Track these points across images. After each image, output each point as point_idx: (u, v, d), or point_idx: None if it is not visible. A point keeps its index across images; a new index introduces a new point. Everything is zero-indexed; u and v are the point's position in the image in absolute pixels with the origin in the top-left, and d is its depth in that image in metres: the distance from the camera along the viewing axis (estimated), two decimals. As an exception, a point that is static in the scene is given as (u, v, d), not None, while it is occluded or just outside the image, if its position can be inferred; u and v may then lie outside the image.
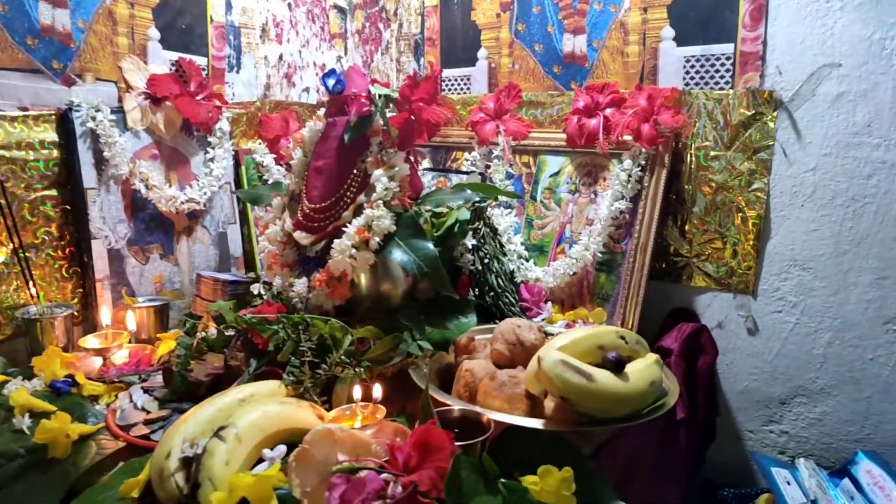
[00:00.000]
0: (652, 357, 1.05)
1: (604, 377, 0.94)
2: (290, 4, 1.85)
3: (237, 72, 1.75)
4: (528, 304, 1.49)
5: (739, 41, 1.36)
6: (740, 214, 1.39)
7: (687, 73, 1.44)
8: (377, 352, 1.10)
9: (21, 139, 1.32)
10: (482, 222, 1.46)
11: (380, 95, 1.22)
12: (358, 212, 1.19)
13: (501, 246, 1.50)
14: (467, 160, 1.70)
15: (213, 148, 1.63)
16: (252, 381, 1.06)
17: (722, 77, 1.40)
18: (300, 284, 1.19)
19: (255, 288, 1.25)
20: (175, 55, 1.59)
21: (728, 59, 1.38)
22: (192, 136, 1.61)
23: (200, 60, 1.64)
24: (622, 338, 1.04)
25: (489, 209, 1.55)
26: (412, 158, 1.32)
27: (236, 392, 0.99)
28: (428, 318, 1.26)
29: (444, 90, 1.85)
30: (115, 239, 1.46)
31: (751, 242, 1.39)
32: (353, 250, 1.15)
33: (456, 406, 0.95)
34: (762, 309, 1.40)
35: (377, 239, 1.15)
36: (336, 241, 1.16)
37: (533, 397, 1.00)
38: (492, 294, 1.42)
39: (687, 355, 1.37)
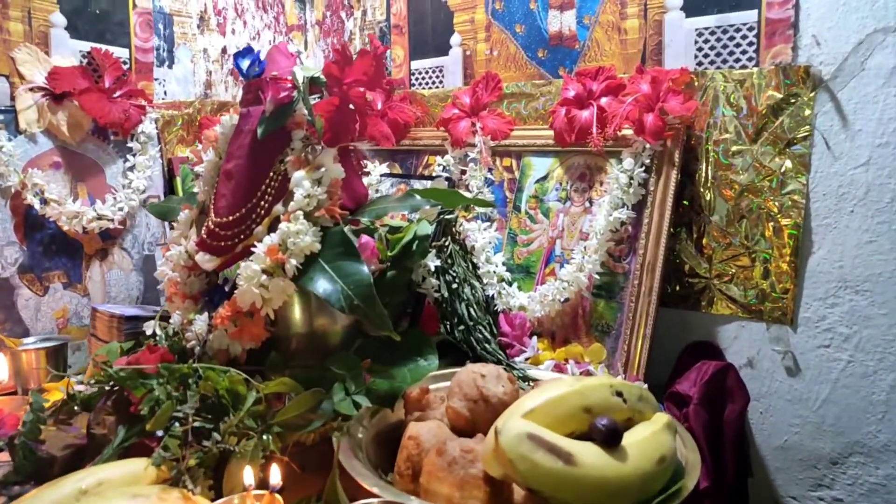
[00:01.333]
0: (662, 419, 0.76)
1: (590, 457, 0.65)
2: (234, -10, 1.60)
3: (169, 66, 1.49)
4: (510, 340, 1.21)
5: (764, 6, 1.08)
6: (772, 224, 1.10)
7: (699, 49, 1.16)
8: (290, 413, 0.82)
9: None
10: (449, 238, 1.18)
11: (305, 77, 0.95)
12: (274, 227, 0.92)
13: (474, 267, 1.22)
14: (440, 165, 1.43)
15: (133, 155, 1.37)
16: (116, 458, 0.78)
17: (744, 52, 1.11)
18: (200, 322, 0.92)
19: (150, 326, 0.97)
20: (87, 45, 1.34)
21: (751, 29, 1.10)
22: (107, 142, 1.35)
23: (121, 52, 1.39)
24: (618, 394, 0.75)
25: (460, 223, 1.28)
26: (354, 158, 1.05)
27: (79, 478, 0.71)
28: (377, 362, 0.98)
29: (413, 84, 1.59)
30: (3, 265, 1.19)
31: (787, 259, 1.10)
32: (264, 277, 0.87)
33: (374, 500, 0.66)
34: (804, 343, 1.11)
35: (294, 261, 0.87)
36: (243, 264, 0.88)
37: (495, 481, 0.71)
38: (462, 328, 1.14)
39: (709, 403, 1.07)
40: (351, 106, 0.99)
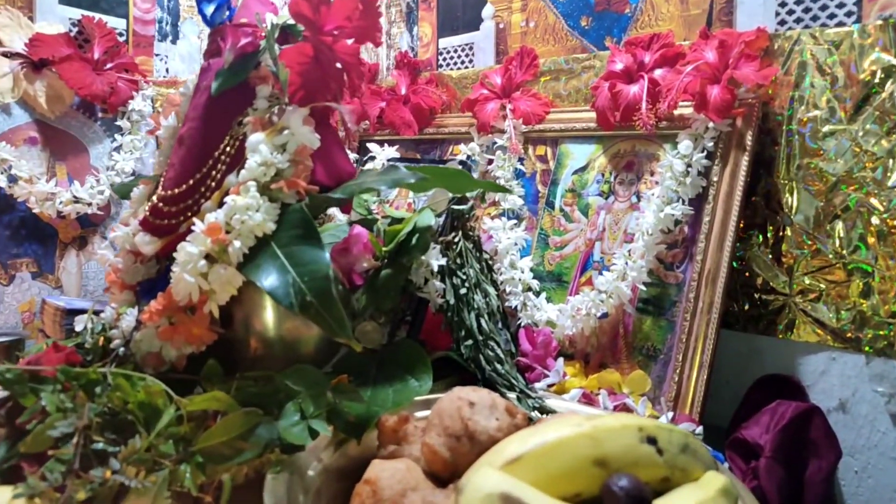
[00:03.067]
0: (716, 482, 0.53)
1: (597, 540, 0.43)
2: (249, -39, 1.45)
3: (173, 42, 1.36)
4: (530, 361, 0.98)
5: (872, -56, 0.84)
6: (876, 226, 0.85)
7: (782, 4, 0.92)
8: (214, 439, 0.63)
9: None
10: (460, 233, 0.97)
11: (275, 23, 0.77)
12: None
13: (490, 270, 1.00)
14: (464, 154, 1.23)
15: (122, 134, 1.23)
16: (-11, 484, 0.61)
17: (841, 6, 0.87)
18: (129, 317, 0.74)
19: (80, 321, 0.80)
20: (78, 13, 1.21)
21: (852, -25, 0.86)
22: (94, 119, 1.22)
23: (117, 23, 1.26)
24: (650, 440, 0.52)
25: (482, 221, 1.07)
26: (343, 126, 0.86)
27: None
28: (358, 379, 0.79)
29: (441, 66, 1.40)
30: (-38, 248, 1.06)
31: (893, 272, 0.84)
32: (204, 262, 0.69)
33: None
34: (918, 384, 0.84)
35: (239, 244, 0.68)
36: (179, 245, 0.70)
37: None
38: (469, 342, 0.92)
39: (787, 456, 0.82)
40: (337, 65, 0.80)
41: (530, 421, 0.72)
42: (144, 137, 1.25)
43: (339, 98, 0.81)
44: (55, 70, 1.14)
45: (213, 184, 0.75)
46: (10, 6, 1.14)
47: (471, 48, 1.33)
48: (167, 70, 1.35)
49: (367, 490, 0.59)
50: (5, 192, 1.10)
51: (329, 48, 0.78)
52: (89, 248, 1.20)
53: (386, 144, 1.20)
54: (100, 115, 1.22)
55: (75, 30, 1.21)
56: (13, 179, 1.09)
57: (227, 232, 0.70)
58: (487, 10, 1.29)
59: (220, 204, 0.73)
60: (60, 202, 1.13)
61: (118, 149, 1.22)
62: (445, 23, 1.37)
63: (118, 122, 1.23)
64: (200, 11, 0.82)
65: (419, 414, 0.77)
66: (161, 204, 0.76)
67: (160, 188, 0.78)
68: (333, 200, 0.78)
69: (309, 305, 0.65)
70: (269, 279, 0.67)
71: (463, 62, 1.35)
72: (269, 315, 0.81)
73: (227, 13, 0.82)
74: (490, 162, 1.20)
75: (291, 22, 0.79)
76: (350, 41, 0.80)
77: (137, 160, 1.24)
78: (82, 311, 0.92)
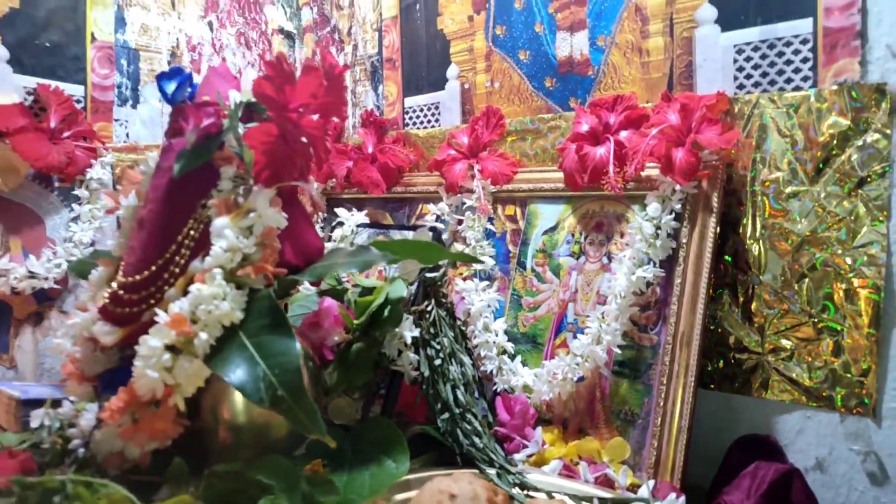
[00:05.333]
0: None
1: None
2: (211, 24, 1.45)
3: (133, 106, 1.33)
4: (508, 431, 0.96)
5: (821, 13, 0.87)
6: (843, 285, 0.86)
7: (740, 70, 0.94)
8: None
9: None
10: (432, 302, 0.96)
11: (239, 101, 0.76)
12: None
13: (464, 338, 0.99)
14: (433, 214, 1.22)
15: (80, 204, 1.19)
16: None
17: (797, 71, 0.90)
18: (89, 414, 0.70)
19: (37, 417, 0.76)
20: (34, 81, 1.19)
21: (804, 42, 0.88)
22: (51, 189, 1.18)
23: (75, 89, 1.24)
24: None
25: (453, 283, 1.06)
26: (309, 203, 0.84)
27: None
28: (332, 463, 0.76)
29: (407, 124, 1.40)
30: None
31: (864, 331, 0.85)
32: (168, 356, 0.66)
33: None
34: (892, 441, 0.84)
35: (205, 336, 0.66)
36: (141, 338, 0.67)
37: None
38: (446, 416, 0.90)
39: (768, 521, 0.81)
40: (303, 139, 0.79)
41: (511, 500, 0.70)
42: (104, 206, 1.21)
43: (307, 173, 0.80)
44: (9, 142, 1.10)
45: (177, 270, 0.72)
46: (-39, 77, 1.11)
47: (437, 107, 1.34)
48: (127, 135, 1.33)
49: None
50: (-45, 270, 1.05)
51: (295, 125, 0.76)
52: (46, 323, 1.15)
53: (354, 210, 1.18)
54: (56, 184, 1.19)
55: (31, 98, 1.18)
56: (-36, 257, 1.05)
57: (193, 322, 0.67)
58: (452, 71, 1.30)
59: (185, 291, 0.71)
60: (15, 278, 1.09)
61: (76, 219, 1.19)
62: (411, 82, 1.38)
63: (76, 192, 1.20)
64: (161, 89, 0.80)
65: (398, 497, 0.75)
66: (121, 291, 0.73)
67: (120, 273, 0.75)
68: (327, 285, 0.76)
69: (280, 400, 0.62)
70: (237, 373, 0.64)
71: (429, 121, 1.36)
72: (237, 402, 0.78)
73: (189, 90, 0.80)
74: (460, 222, 1.20)
75: (255, 99, 0.78)
76: (315, 116, 0.79)
77: (97, 230, 1.20)
78: (39, 402, 0.88)
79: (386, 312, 0.89)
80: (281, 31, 1.59)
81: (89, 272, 0.93)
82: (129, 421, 0.68)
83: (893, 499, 0.84)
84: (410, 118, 1.39)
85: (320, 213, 1.04)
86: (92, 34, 1.26)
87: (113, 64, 1.30)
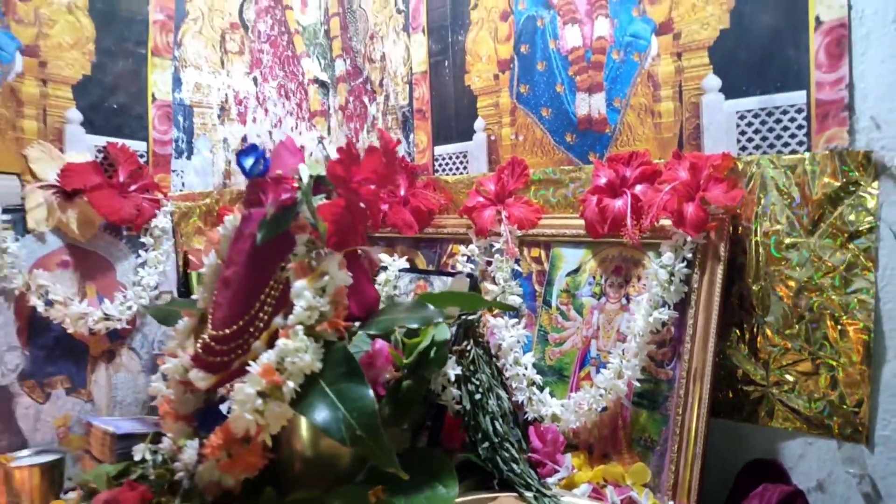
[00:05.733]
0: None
1: None
2: (255, 79, 1.58)
3: (188, 157, 1.46)
4: (541, 457, 1.08)
5: (814, 87, 0.99)
6: (837, 326, 0.97)
7: (742, 133, 1.06)
8: (281, 566, 0.71)
9: None
10: (471, 342, 1.08)
11: (309, 177, 0.88)
12: (274, 341, 0.83)
13: (500, 373, 1.11)
14: (464, 255, 1.34)
15: (146, 250, 1.32)
16: None
17: (793, 136, 1.01)
18: (190, 450, 0.82)
19: (139, 451, 0.88)
20: (103, 140, 1.32)
21: (799, 111, 1.00)
22: (119, 237, 1.31)
23: (138, 146, 1.37)
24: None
25: (485, 319, 1.17)
26: (365, 260, 0.96)
27: None
28: (390, 489, 0.87)
29: (437, 170, 1.52)
30: (3, 372, 1.13)
31: (857, 367, 0.96)
32: (259, 400, 0.78)
33: None
34: (884, 466, 0.95)
35: (292, 384, 0.78)
36: (236, 386, 0.79)
37: None
38: (486, 445, 1.02)
39: (775, 537, 0.92)
40: (362, 205, 0.91)
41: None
42: (166, 252, 1.34)
43: (365, 235, 0.92)
44: (86, 198, 1.23)
45: (261, 325, 0.84)
46: (42, 139, 1.23)
47: (464, 156, 1.46)
48: (183, 184, 1.45)
49: None
50: (42, 315, 1.17)
51: (358, 196, 0.89)
52: (117, 360, 1.28)
53: (396, 255, 1.30)
54: (125, 233, 1.31)
55: (101, 156, 1.31)
56: (49, 303, 1.17)
57: (280, 371, 0.79)
58: (479, 123, 1.42)
59: (269, 343, 0.83)
60: (93, 320, 1.21)
61: (143, 264, 1.31)
62: (440, 132, 1.50)
63: (142, 239, 1.32)
64: (240, 164, 0.93)
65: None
66: (213, 343, 0.86)
67: (210, 327, 0.87)
68: (370, 335, 0.88)
69: (359, 439, 0.74)
70: (321, 416, 0.76)
71: (457, 168, 1.48)
72: (309, 437, 0.89)
73: (263, 165, 0.92)
74: (489, 263, 1.31)
75: (321, 173, 0.90)
76: (373, 186, 0.92)
77: (161, 274, 1.32)
78: (131, 436, 1.00)
79: (432, 353, 1.00)
80: (316, 80, 1.72)
81: (165, 317, 1.06)
82: (225, 456, 0.80)
83: (885, 516, 0.95)
84: (440, 165, 1.51)
85: (376, 269, 1.15)
86: (153, 94, 1.40)
87: (171, 120, 1.43)
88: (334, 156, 0.87)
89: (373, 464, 0.94)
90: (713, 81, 1.09)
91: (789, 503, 0.96)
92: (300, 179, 0.89)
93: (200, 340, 0.87)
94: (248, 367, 0.80)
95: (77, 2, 1.27)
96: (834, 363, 0.98)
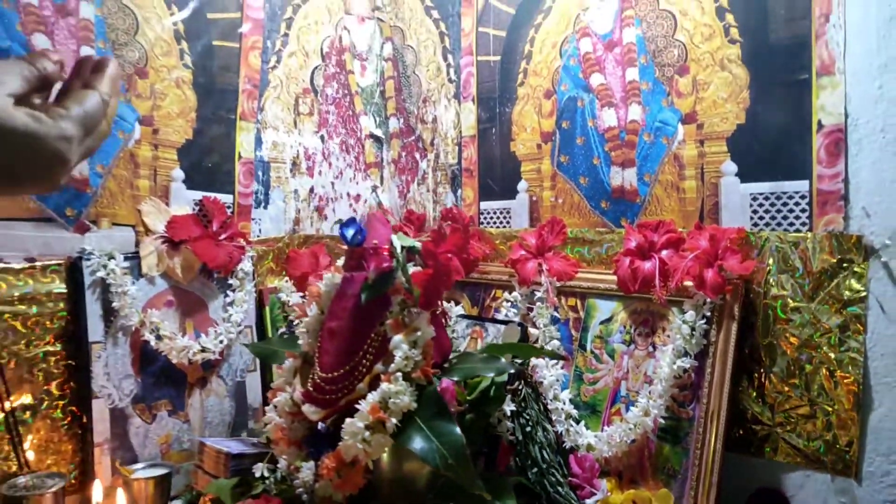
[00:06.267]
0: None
1: None
2: (322, 136, 1.79)
3: (265, 207, 1.67)
4: (580, 481, 1.27)
5: (815, 178, 1.19)
6: (832, 378, 1.17)
7: (755, 212, 1.26)
8: (392, 566, 0.90)
9: (25, 292, 1.23)
10: (523, 382, 1.28)
11: (402, 248, 1.08)
12: (374, 383, 1.03)
13: (546, 410, 1.31)
14: (507, 301, 1.54)
15: (233, 291, 1.52)
16: None
17: (797, 217, 1.21)
18: (306, 470, 1.02)
19: (258, 469, 1.08)
20: (199, 194, 1.52)
21: (803, 197, 1.20)
22: (211, 279, 1.51)
23: (226, 198, 1.57)
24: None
25: (532, 366, 1.37)
26: (442, 312, 1.16)
27: None
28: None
29: (482, 223, 1.72)
30: (120, 397, 1.33)
31: (848, 412, 1.15)
32: (367, 433, 0.98)
33: None
34: (870, 497, 1.14)
35: (394, 420, 0.98)
36: (347, 421, 0.99)
37: None
38: (535, 470, 1.21)
39: (777, 554, 1.11)
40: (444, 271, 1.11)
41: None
42: (248, 292, 1.54)
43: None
44: (188, 246, 1.43)
45: (364, 370, 1.04)
46: (152, 196, 1.44)
47: (508, 212, 1.66)
48: (259, 230, 1.66)
49: None
50: (152, 347, 1.37)
51: (442, 265, 1.09)
52: (209, 386, 1.47)
53: (453, 302, 1.50)
54: (215, 275, 1.52)
55: (197, 208, 1.51)
56: (159, 337, 1.37)
57: (383, 409, 0.99)
58: (522, 185, 1.63)
59: (370, 385, 1.03)
60: (192, 352, 1.41)
61: (231, 303, 1.51)
62: (485, 189, 1.71)
63: (230, 281, 1.52)
64: (342, 235, 1.13)
65: (512, 533, 1.05)
66: (322, 383, 1.05)
67: (318, 369, 1.07)
68: (469, 383, 1.08)
69: (451, 467, 0.94)
70: (418, 446, 0.95)
71: (501, 222, 1.68)
72: (393, 462, 1.09)
73: (361, 235, 1.12)
74: (529, 309, 1.51)
75: (411, 244, 1.10)
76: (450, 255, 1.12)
77: (244, 312, 1.52)
78: (241, 455, 1.20)
79: (492, 392, 1.20)
80: (371, 136, 1.92)
81: (267, 355, 1.26)
82: (337, 476, 0.99)
83: (870, 539, 1.14)
84: (485, 218, 1.72)
85: (449, 321, 1.35)
86: (239, 153, 1.60)
87: (252, 175, 1.63)
88: (386, 203, 1.07)
89: (441, 483, 1.13)
90: (730, 167, 1.29)
91: (790, 526, 1.15)
92: (394, 249, 1.09)
93: (311, 381, 1.07)
94: (356, 406, 1.00)
95: (184, 77, 1.48)
96: (829, 409, 1.17)
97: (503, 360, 1.06)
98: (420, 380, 1.02)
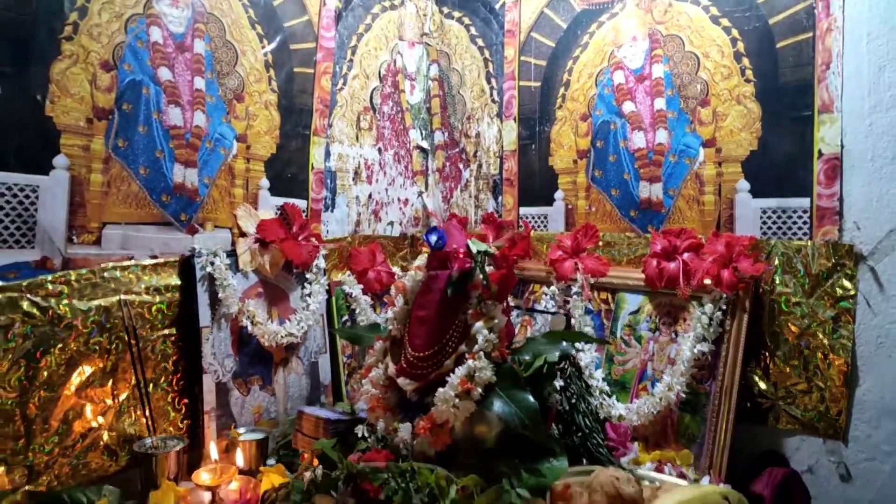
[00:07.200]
0: (754, 517, 1.07)
1: (713, 543, 0.97)
2: (379, 149, 2.02)
3: (332, 211, 1.90)
4: (615, 444, 1.52)
5: (815, 196, 1.44)
6: (826, 360, 1.42)
7: (764, 223, 1.51)
8: (482, 503, 1.14)
9: (150, 285, 1.46)
10: (568, 362, 1.52)
11: (478, 252, 1.32)
12: (458, 361, 1.27)
13: (587, 385, 1.55)
14: (546, 294, 1.78)
15: (309, 283, 1.75)
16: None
17: (800, 228, 1.46)
18: (404, 430, 1.26)
19: (360, 430, 1.32)
20: (281, 200, 1.75)
21: (805, 212, 1.45)
22: (291, 273, 1.74)
23: (301, 203, 1.80)
24: (725, 498, 1.06)
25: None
26: (508, 304, 1.40)
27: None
28: (523, 461, 1.30)
29: (520, 226, 1.96)
30: (223, 373, 1.56)
31: (838, 387, 1.41)
32: (456, 400, 1.22)
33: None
34: (854, 456, 1.40)
35: (479, 389, 1.22)
36: (440, 390, 1.23)
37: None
38: (579, 434, 1.46)
39: (779, 502, 1.36)
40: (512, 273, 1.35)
41: (640, 482, 1.25)
42: (322, 284, 1.77)
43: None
44: (276, 246, 1.67)
45: (450, 350, 1.28)
46: (244, 202, 1.67)
47: (545, 217, 1.90)
48: (327, 231, 1.89)
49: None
50: (247, 331, 1.60)
51: (510, 266, 1.33)
52: (290, 365, 1.71)
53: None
54: (294, 270, 1.75)
55: (279, 212, 1.74)
56: (253, 323, 1.60)
57: (469, 381, 1.23)
58: (559, 194, 1.87)
59: (455, 362, 1.27)
60: (280, 336, 1.64)
61: (308, 294, 1.75)
62: (524, 197, 1.95)
63: (307, 275, 1.76)
64: (427, 240, 1.36)
65: (574, 479, 1.29)
66: (414, 360, 1.29)
67: (410, 349, 1.31)
68: (525, 362, 1.32)
69: (527, 427, 1.18)
70: (500, 409, 1.20)
71: (539, 226, 1.92)
72: (468, 425, 1.33)
73: (442, 241, 1.36)
74: (566, 301, 1.76)
75: (485, 249, 1.34)
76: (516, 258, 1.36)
77: (319, 302, 1.76)
78: (338, 421, 1.44)
79: (545, 370, 1.44)
80: (418, 147, 2.16)
81: (354, 338, 1.50)
82: (430, 435, 1.23)
83: (853, 490, 1.40)
84: (523, 222, 1.96)
85: (511, 311, 1.59)
86: (312, 164, 1.83)
87: (322, 183, 1.86)
88: (430, 207, 1.29)
89: (504, 442, 1.37)
90: (744, 185, 1.54)
91: (788, 480, 1.41)
92: (471, 252, 1.33)
93: (404, 358, 1.31)
94: (446, 378, 1.24)
95: (271, 100, 1.71)
96: (822, 385, 1.43)
97: (565, 343, 1.31)
98: (497, 359, 1.26)
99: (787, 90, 1.45)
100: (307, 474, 1.30)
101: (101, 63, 1.33)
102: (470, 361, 1.24)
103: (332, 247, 1.89)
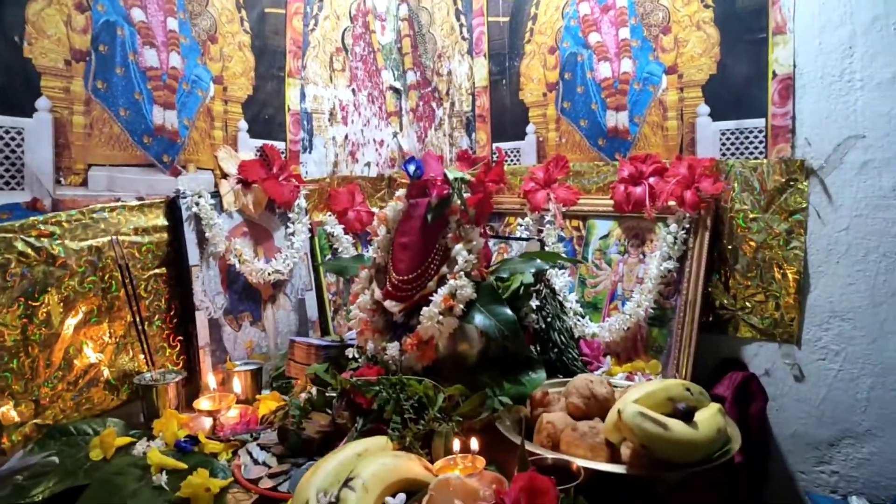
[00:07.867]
0: (715, 406, 1.18)
1: (678, 426, 1.07)
2: (353, 90, 2.06)
3: (309, 152, 1.94)
4: (589, 359, 1.62)
5: (770, 116, 1.52)
6: (780, 270, 1.53)
7: (723, 144, 1.60)
8: (467, 408, 1.24)
9: (138, 225, 1.50)
10: (543, 284, 1.61)
11: (455, 178, 1.39)
12: (441, 282, 1.35)
13: (561, 305, 1.65)
14: (521, 225, 1.86)
15: (292, 223, 1.81)
16: (359, 438, 1.20)
17: (756, 148, 1.55)
18: (392, 348, 1.34)
19: (350, 352, 1.40)
20: (260, 142, 1.79)
21: (760, 132, 1.54)
22: (274, 213, 1.79)
23: (280, 145, 1.84)
24: (688, 389, 1.17)
25: (549, 272, 1.70)
26: (485, 229, 1.48)
27: (352, 448, 1.13)
28: (503, 375, 1.40)
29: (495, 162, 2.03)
30: (214, 310, 1.63)
31: (792, 296, 1.52)
32: (440, 317, 1.30)
33: (548, 455, 1.08)
34: (806, 357, 1.52)
35: (461, 306, 1.30)
36: (424, 308, 1.31)
37: (611, 445, 1.13)
38: (555, 350, 1.56)
39: (739, 402, 1.49)
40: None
41: (614, 388, 1.36)
42: (304, 223, 1.83)
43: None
44: (258, 186, 1.71)
45: (432, 272, 1.36)
46: (225, 144, 1.70)
47: (518, 151, 1.97)
48: (306, 172, 1.93)
49: (549, 426, 1.22)
50: (235, 269, 1.66)
51: (486, 191, 1.40)
52: (278, 302, 1.78)
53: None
54: (277, 210, 1.80)
55: (259, 153, 1.78)
56: (240, 261, 1.66)
57: (452, 299, 1.31)
58: (530, 128, 1.93)
59: (437, 283, 1.35)
60: (266, 273, 1.71)
61: (292, 234, 1.80)
62: (497, 132, 2.01)
63: (289, 215, 1.81)
64: (405, 169, 1.43)
65: (552, 390, 1.39)
66: (399, 283, 1.37)
67: (395, 273, 1.38)
68: (502, 279, 1.40)
69: (506, 337, 1.27)
70: (481, 323, 1.28)
71: (512, 160, 1.99)
72: (451, 343, 1.42)
73: (420, 170, 1.42)
74: (539, 231, 1.84)
75: (461, 176, 1.41)
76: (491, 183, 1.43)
77: (302, 242, 1.81)
78: (327, 346, 1.52)
79: (521, 291, 1.53)
80: (391, 88, 2.19)
81: (339, 270, 1.57)
82: (417, 351, 1.32)
83: (806, 388, 1.53)
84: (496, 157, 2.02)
85: (490, 234, 1.67)
86: (288, 106, 1.86)
87: (299, 125, 1.90)
88: (405, 147, 1.34)
89: (487, 360, 1.46)
90: (704, 109, 1.62)
91: (747, 382, 1.53)
92: (448, 180, 1.39)
93: (389, 282, 1.39)
94: (430, 298, 1.32)
95: (245, 41, 1.73)
96: (778, 294, 1.54)
97: (539, 261, 1.39)
98: (476, 278, 1.34)
99: (743, 14, 1.52)
100: (303, 395, 1.39)
101: (76, 4, 1.34)
102: (451, 281, 1.32)
103: (312, 187, 1.94)
